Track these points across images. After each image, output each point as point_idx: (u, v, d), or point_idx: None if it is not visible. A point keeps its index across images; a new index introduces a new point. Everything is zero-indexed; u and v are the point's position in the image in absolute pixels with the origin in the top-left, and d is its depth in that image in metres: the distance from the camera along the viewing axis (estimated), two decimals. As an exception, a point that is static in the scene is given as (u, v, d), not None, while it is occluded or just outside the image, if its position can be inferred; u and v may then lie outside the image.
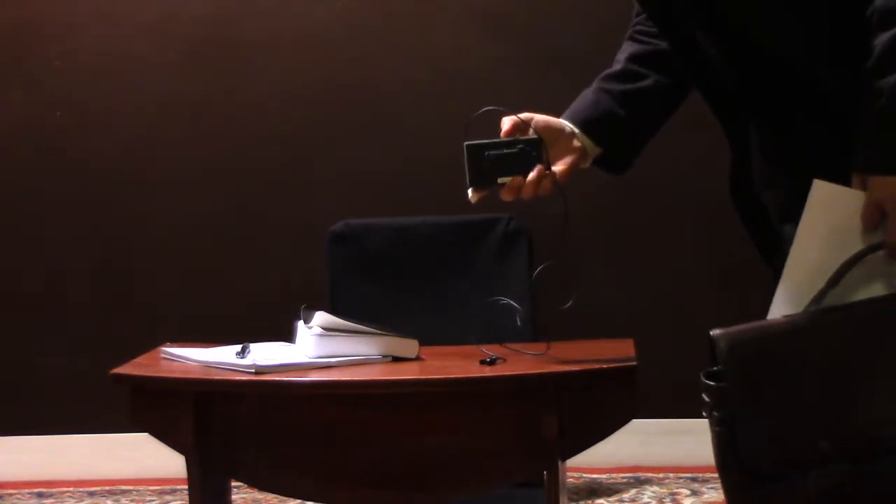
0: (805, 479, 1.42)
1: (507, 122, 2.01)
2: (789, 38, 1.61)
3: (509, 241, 2.68)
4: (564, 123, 2.04)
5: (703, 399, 1.48)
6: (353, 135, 3.98)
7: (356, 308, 2.49)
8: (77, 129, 3.99)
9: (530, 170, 1.97)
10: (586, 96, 2.06)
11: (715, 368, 1.47)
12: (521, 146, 1.96)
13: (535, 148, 1.97)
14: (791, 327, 1.47)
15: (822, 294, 1.49)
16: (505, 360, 2.13)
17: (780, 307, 1.53)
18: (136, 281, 3.97)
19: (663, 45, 1.94)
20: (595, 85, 2.07)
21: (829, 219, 1.54)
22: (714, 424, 1.47)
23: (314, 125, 3.99)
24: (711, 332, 1.46)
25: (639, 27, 2.05)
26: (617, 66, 2.05)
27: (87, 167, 3.99)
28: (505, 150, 1.97)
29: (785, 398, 1.44)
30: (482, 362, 2.12)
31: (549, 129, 2.02)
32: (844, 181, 1.55)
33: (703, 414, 1.49)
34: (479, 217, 2.77)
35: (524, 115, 2.01)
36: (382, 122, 3.98)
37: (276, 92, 3.99)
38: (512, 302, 2.19)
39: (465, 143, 1.98)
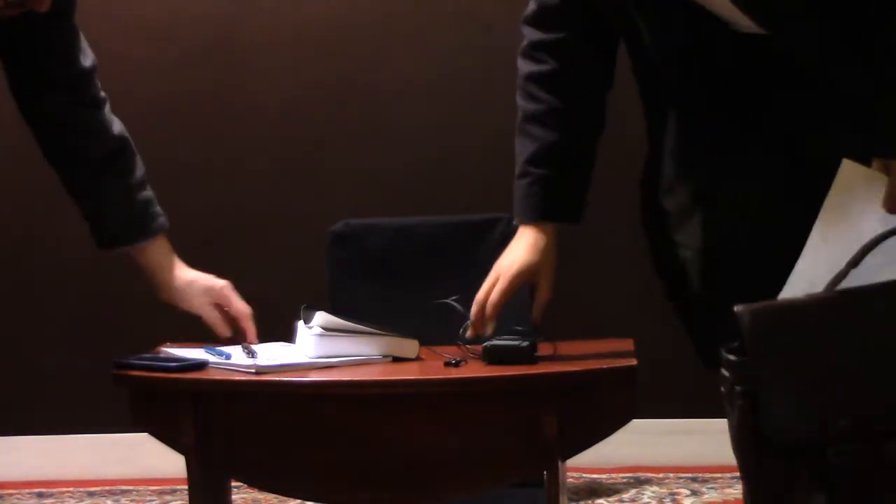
0: (822, 456, 1.41)
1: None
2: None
3: (509, 241, 2.68)
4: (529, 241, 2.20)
5: (723, 375, 1.46)
6: (354, 135, 3.98)
7: (356, 308, 2.48)
8: (77, 128, 3.98)
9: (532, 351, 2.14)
10: (529, 191, 2.17)
11: (736, 344, 1.46)
12: (519, 341, 2.13)
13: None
14: (815, 305, 1.46)
15: (842, 274, 1.47)
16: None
17: (799, 284, 1.52)
18: (136, 280, 3.97)
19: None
20: (530, 173, 2.16)
21: (853, 199, 1.53)
22: (736, 398, 1.45)
23: (314, 125, 3.99)
24: (735, 308, 1.45)
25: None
26: (537, 146, 2.16)
27: (87, 167, 3.99)
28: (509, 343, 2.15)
29: (807, 374, 1.43)
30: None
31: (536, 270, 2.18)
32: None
33: (721, 389, 1.47)
34: (479, 217, 2.77)
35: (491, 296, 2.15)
36: (382, 122, 3.98)
37: (276, 91, 3.99)
38: (456, 304, 2.22)
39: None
